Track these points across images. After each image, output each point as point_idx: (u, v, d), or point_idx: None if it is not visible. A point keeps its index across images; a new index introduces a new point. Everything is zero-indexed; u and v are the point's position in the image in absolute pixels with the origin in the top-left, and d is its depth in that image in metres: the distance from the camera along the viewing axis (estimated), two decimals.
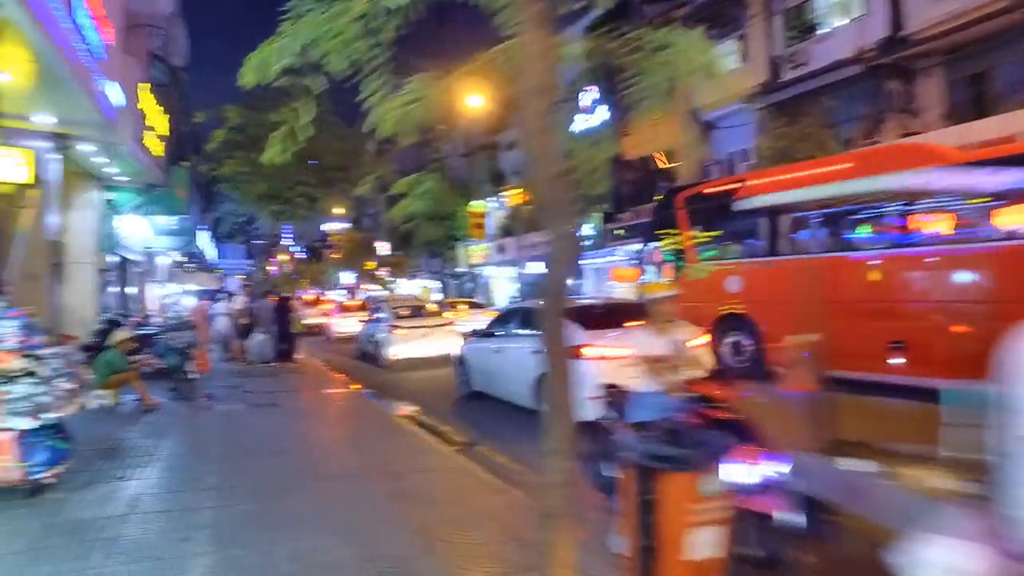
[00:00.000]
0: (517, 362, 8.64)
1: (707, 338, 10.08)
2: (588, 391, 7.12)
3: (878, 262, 9.63)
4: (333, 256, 65.21)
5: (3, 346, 5.01)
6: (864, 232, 10.28)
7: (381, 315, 16.66)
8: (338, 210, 45.62)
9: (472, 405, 10.24)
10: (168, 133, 17.42)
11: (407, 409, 9.89)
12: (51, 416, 5.00)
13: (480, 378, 10.28)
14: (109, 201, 17.03)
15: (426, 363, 15.18)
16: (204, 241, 24.80)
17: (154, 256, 23.65)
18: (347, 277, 62.97)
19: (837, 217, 10.61)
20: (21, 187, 10.00)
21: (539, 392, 7.94)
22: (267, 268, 25.83)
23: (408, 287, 53.75)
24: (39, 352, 5.17)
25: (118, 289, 19.89)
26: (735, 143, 23.67)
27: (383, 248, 56.70)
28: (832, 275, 9.95)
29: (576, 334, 7.74)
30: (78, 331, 14.69)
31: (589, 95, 30.51)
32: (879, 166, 10.01)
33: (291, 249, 75.48)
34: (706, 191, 12.69)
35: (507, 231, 38.67)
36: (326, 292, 51.68)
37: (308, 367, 15.38)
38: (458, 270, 42.35)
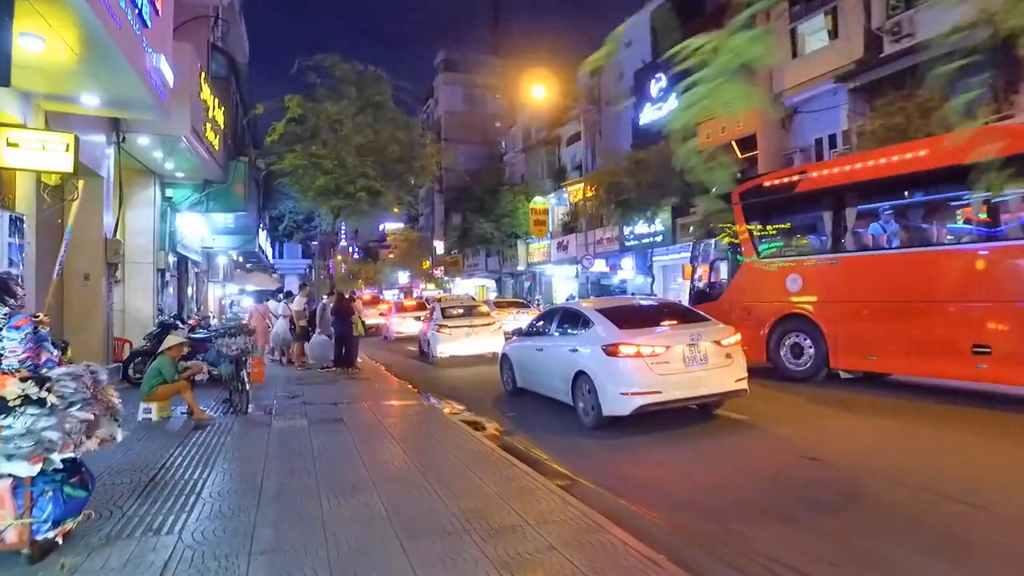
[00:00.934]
0: (557, 360, 8.86)
1: None
2: (624, 387, 7.40)
3: (960, 258, 8.91)
4: (389, 256, 64.94)
5: (1, 365, 3.81)
6: (943, 226, 9.63)
7: (436, 314, 17.05)
8: (396, 208, 44.95)
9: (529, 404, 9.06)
10: (225, 127, 16.50)
11: (490, 426, 8.54)
12: (61, 456, 3.76)
13: (522, 375, 10.31)
14: (168, 198, 16.21)
15: (472, 360, 15.72)
16: (262, 240, 24.06)
17: (213, 256, 22.99)
18: (403, 277, 62.59)
19: (912, 209, 9.94)
20: (66, 178, 9.02)
21: (575, 388, 8.23)
22: (325, 267, 24.92)
23: (464, 287, 52.83)
24: (50, 372, 3.94)
25: (177, 290, 19.18)
26: (821, 128, 21.66)
27: (439, 247, 55.95)
28: (907, 272, 9.33)
29: (612, 332, 7.80)
30: (136, 334, 13.91)
31: (657, 84, 28.99)
32: (961, 152, 8.57)
33: (347, 249, 75.63)
34: (765, 184, 11.91)
35: (568, 228, 37.16)
36: (382, 292, 51.19)
37: (369, 371, 14.22)
38: (518, 268, 41.00)
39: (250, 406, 9.01)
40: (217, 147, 15.50)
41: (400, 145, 16.63)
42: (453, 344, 15.79)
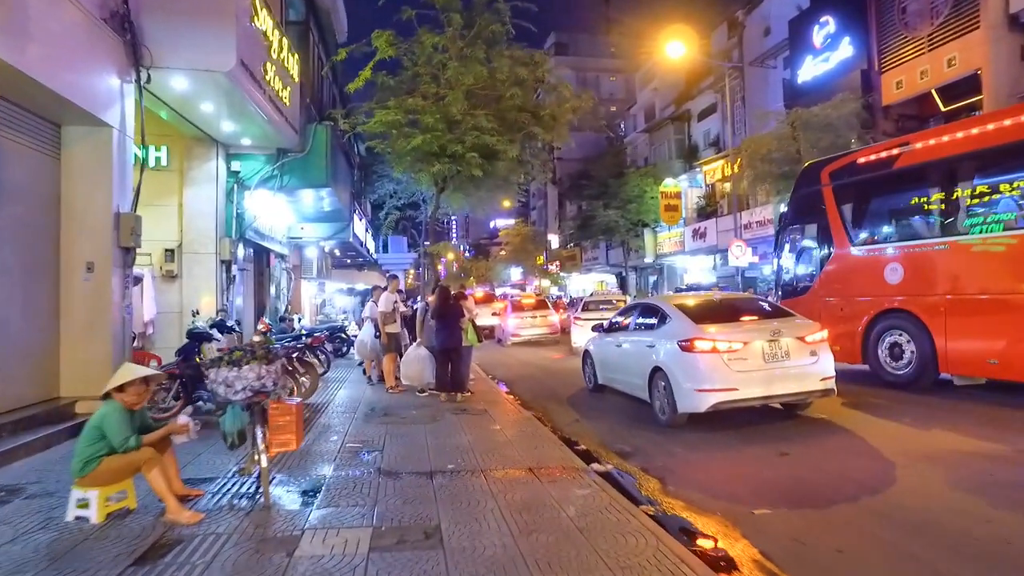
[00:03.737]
0: (634, 355, 8.53)
1: None
2: (699, 383, 7.06)
3: None
4: (500, 253, 61.59)
5: None
6: None
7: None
8: (508, 203, 40.94)
9: None
10: (302, 80, 12.82)
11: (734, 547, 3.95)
12: None
13: (603, 372, 9.99)
14: (234, 173, 12.69)
15: None
16: (359, 229, 20.49)
17: (303, 247, 19.59)
18: (515, 274, 59.05)
19: None
20: None
21: (652, 385, 7.84)
22: (435, 262, 20.82)
23: (581, 283, 48.33)
24: None
25: (257, 287, 15.84)
26: None
27: (554, 241, 51.66)
28: None
29: (687, 327, 7.53)
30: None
31: (823, 30, 23.25)
32: None
33: (459, 246, 72.87)
34: (860, 161, 10.46)
35: (705, 213, 31.68)
36: (495, 289, 47.66)
37: (485, 395, 9.97)
38: (645, 261, 35.75)
39: (272, 490, 4.89)
40: (288, 102, 11.79)
41: (523, 89, 12.23)
42: (584, 334, 15.95)
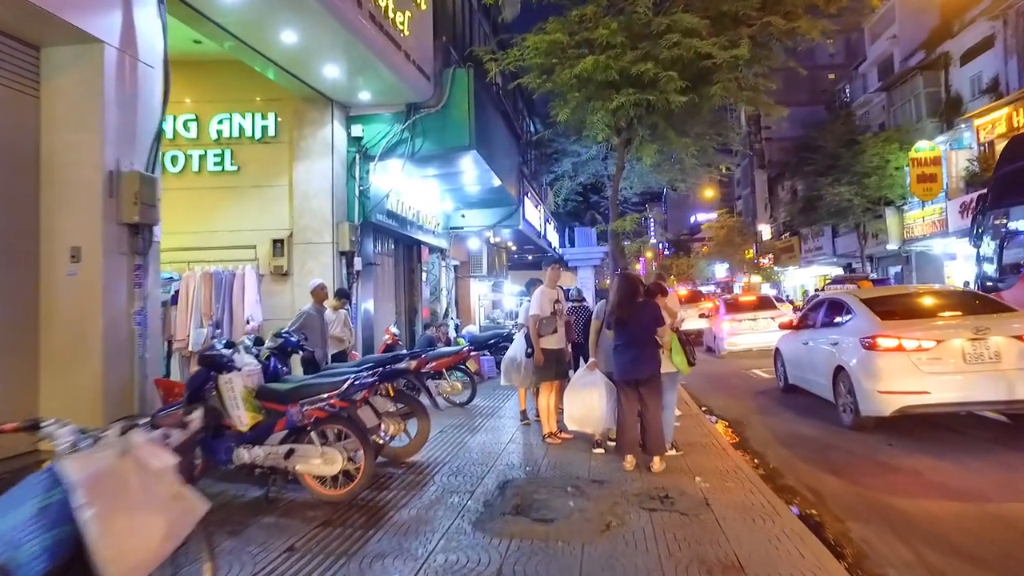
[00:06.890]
0: (819, 353, 8.08)
1: None
2: (882, 384, 6.38)
3: None
4: (703, 248, 55.71)
5: None
6: None
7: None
8: (722, 168, 35.51)
9: None
10: (425, 5, 9.50)
11: None
12: None
13: (792, 370, 9.32)
14: (355, 139, 9.74)
15: None
16: (532, 215, 16.90)
17: (464, 239, 16.42)
18: (720, 270, 52.92)
19: None
20: None
21: (835, 385, 7.34)
22: (620, 245, 16.40)
23: (799, 278, 41.18)
24: None
25: (408, 287, 12.91)
26: None
27: (764, 232, 44.76)
28: None
29: (871, 324, 6.89)
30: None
31: None
32: None
33: (657, 245, 67.62)
34: None
35: (978, 182, 23.86)
36: (698, 286, 42.21)
37: (699, 457, 5.71)
38: (888, 248, 28.25)
39: None
40: (406, 32, 8.49)
41: None
42: None
